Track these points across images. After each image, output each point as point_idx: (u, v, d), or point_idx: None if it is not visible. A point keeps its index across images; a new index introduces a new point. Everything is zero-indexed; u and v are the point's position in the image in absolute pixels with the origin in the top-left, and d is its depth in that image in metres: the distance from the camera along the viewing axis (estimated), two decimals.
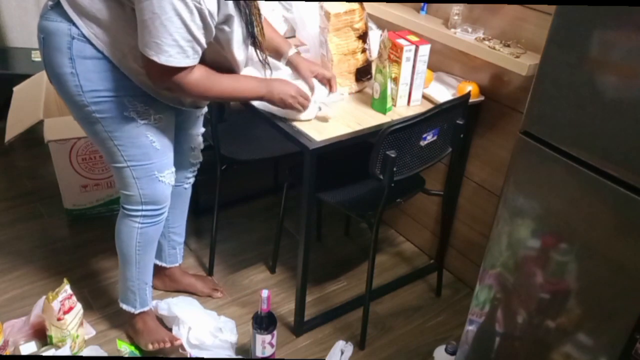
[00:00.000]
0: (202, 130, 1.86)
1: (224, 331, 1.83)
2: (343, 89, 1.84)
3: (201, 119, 1.83)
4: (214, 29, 1.33)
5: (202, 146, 1.88)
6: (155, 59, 1.29)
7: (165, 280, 2.06)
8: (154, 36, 1.26)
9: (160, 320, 1.91)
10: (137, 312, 1.80)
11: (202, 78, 1.42)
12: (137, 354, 1.78)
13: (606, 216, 1.18)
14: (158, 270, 1.99)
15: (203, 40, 1.32)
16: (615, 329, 1.22)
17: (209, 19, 1.28)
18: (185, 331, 1.81)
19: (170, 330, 1.86)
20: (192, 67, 1.36)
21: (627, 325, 1.18)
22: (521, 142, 1.30)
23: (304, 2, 1.96)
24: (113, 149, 1.52)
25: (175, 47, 1.28)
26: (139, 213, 1.65)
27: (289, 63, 1.76)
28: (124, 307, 1.81)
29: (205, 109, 1.82)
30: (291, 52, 1.75)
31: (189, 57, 1.32)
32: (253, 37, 1.46)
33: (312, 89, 1.72)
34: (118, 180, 1.62)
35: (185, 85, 1.38)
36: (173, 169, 1.66)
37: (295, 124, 1.66)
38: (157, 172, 1.59)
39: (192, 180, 1.92)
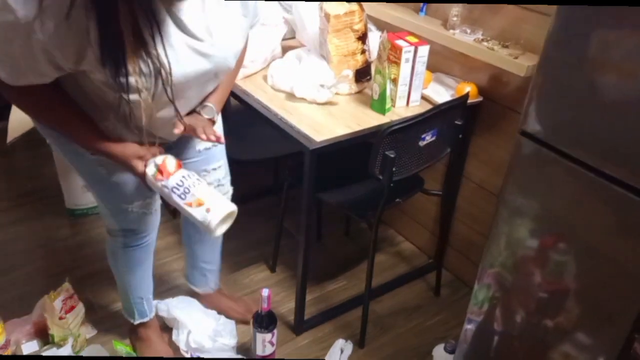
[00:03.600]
0: (217, 165, 1.62)
1: (223, 334, 1.84)
2: (347, 71, 1.84)
3: (210, 153, 1.58)
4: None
5: (221, 182, 1.66)
6: None
7: (206, 305, 1.96)
8: None
9: (162, 322, 1.91)
10: (135, 322, 1.79)
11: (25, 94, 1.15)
12: (134, 354, 1.79)
13: (605, 216, 1.18)
14: (195, 293, 1.97)
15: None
16: (613, 329, 1.23)
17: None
18: (185, 335, 1.82)
19: (170, 329, 1.87)
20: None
21: (625, 325, 1.19)
22: (520, 143, 1.31)
23: (303, 2, 1.97)
24: (81, 179, 1.48)
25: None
26: (118, 238, 1.59)
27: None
28: (125, 315, 1.81)
29: (209, 144, 1.55)
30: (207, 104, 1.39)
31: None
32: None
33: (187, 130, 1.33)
34: (98, 207, 1.57)
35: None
36: (149, 200, 1.50)
37: (295, 124, 1.67)
38: (124, 204, 1.47)
39: None
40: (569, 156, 1.21)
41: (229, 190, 1.73)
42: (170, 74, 1.11)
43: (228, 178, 1.71)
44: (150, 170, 1.26)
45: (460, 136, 1.87)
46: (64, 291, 1.78)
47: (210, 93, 1.38)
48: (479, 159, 2.04)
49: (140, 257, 1.66)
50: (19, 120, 2.27)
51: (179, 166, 1.28)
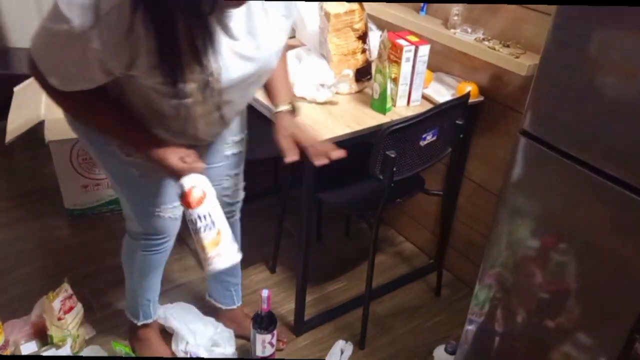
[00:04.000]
0: (238, 170, 1.65)
1: (220, 343, 1.82)
2: (347, 70, 1.84)
3: (234, 159, 1.61)
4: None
5: (239, 187, 1.69)
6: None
7: (226, 322, 1.90)
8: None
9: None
10: (139, 324, 1.78)
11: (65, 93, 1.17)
12: (133, 354, 1.79)
13: (605, 216, 1.18)
14: (217, 311, 1.92)
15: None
16: (614, 329, 1.22)
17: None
18: (184, 346, 1.81)
19: (170, 335, 1.87)
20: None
21: (626, 325, 1.19)
22: (520, 142, 1.30)
23: (303, 2, 1.97)
24: (110, 180, 1.48)
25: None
26: (139, 241, 1.58)
27: (273, 117, 1.43)
28: (128, 315, 1.79)
29: (236, 150, 1.59)
30: (280, 108, 1.41)
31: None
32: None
33: (283, 151, 1.36)
34: (122, 209, 1.56)
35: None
36: (175, 204, 1.51)
37: None
38: (152, 207, 1.48)
39: (232, 219, 1.73)
40: (569, 156, 1.21)
41: (242, 195, 1.73)
42: (219, 80, 1.14)
43: (243, 183, 1.72)
44: (178, 189, 1.26)
45: (461, 136, 1.86)
46: (63, 292, 1.77)
47: (272, 92, 1.42)
48: (480, 158, 2.04)
49: (157, 261, 1.65)
50: (18, 120, 2.26)
51: (199, 202, 1.26)
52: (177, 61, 1.06)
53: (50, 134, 2.17)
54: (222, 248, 1.27)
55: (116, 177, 1.45)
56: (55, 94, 1.17)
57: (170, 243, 1.63)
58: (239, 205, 1.74)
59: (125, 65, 1.06)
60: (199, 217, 1.25)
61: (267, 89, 1.44)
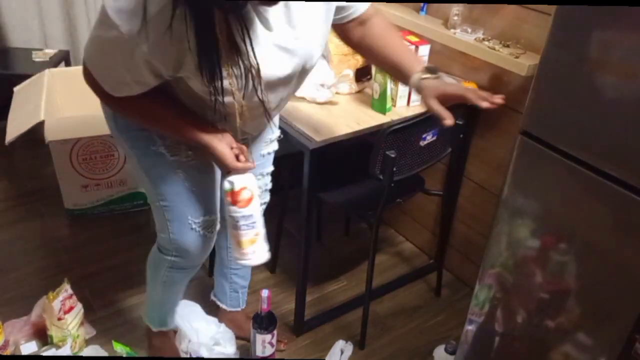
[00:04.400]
0: (270, 170, 1.65)
1: (222, 343, 1.82)
2: (347, 70, 1.83)
3: (269, 158, 1.63)
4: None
5: (267, 187, 1.69)
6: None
7: (227, 323, 1.89)
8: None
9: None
10: (155, 330, 1.77)
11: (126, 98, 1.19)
12: (133, 354, 1.79)
13: (605, 216, 1.18)
14: (219, 311, 1.92)
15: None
16: (614, 329, 1.22)
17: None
18: (185, 345, 1.81)
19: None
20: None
21: (626, 325, 1.19)
22: (521, 143, 1.30)
23: (303, 2, 1.96)
24: (148, 186, 1.42)
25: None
26: (169, 257, 1.53)
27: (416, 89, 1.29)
28: (145, 320, 1.79)
29: (271, 149, 1.61)
30: (415, 77, 1.27)
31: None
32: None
33: (443, 118, 1.22)
34: (156, 222, 1.50)
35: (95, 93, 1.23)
36: (214, 219, 1.48)
37: (295, 123, 1.66)
38: (190, 216, 1.43)
39: None
40: (570, 156, 1.21)
41: (268, 197, 1.74)
42: (259, 74, 1.13)
43: (270, 185, 1.71)
44: (227, 185, 1.28)
45: (461, 136, 1.86)
46: (63, 292, 1.77)
47: (400, 65, 1.30)
48: (480, 158, 2.03)
49: (182, 279, 1.63)
50: (18, 120, 2.26)
51: (247, 203, 1.30)
52: (215, 56, 1.05)
53: (50, 134, 2.17)
54: (257, 247, 1.35)
55: (157, 180, 1.39)
56: (110, 99, 1.19)
57: (197, 267, 1.59)
58: (265, 207, 1.71)
59: (173, 67, 1.08)
60: (244, 216, 1.30)
61: (392, 59, 1.32)
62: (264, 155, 1.60)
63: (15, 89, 2.50)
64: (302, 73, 1.27)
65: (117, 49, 1.06)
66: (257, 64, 1.11)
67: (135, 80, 1.12)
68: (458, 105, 1.76)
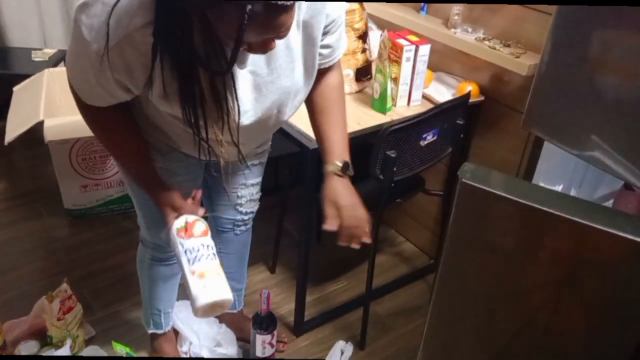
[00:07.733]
0: (256, 181, 1.62)
1: (223, 343, 1.82)
2: (347, 70, 1.83)
3: (254, 169, 1.59)
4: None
5: (255, 197, 1.65)
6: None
7: (226, 324, 1.89)
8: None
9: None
10: (149, 331, 1.78)
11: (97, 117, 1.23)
12: (133, 354, 1.78)
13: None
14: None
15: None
16: (625, 334, 1.21)
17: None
18: (187, 347, 1.81)
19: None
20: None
21: (637, 330, 1.18)
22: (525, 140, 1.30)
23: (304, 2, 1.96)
24: (125, 180, 1.48)
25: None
26: (149, 249, 1.58)
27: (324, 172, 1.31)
28: (142, 320, 1.79)
29: (257, 160, 1.57)
30: (330, 167, 1.28)
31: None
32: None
33: (324, 214, 1.28)
34: (137, 214, 1.54)
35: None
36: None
37: (295, 123, 1.66)
38: (161, 217, 1.40)
39: (243, 227, 1.70)
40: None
41: (256, 206, 1.69)
42: (238, 115, 1.15)
43: (260, 194, 1.68)
44: (178, 224, 1.27)
45: (462, 136, 1.86)
46: (62, 292, 1.77)
47: (324, 145, 1.31)
48: (481, 158, 2.03)
49: (165, 273, 1.64)
50: (17, 120, 2.26)
51: (205, 234, 1.28)
52: (198, 101, 1.08)
53: (49, 134, 2.17)
54: (210, 282, 1.25)
55: (132, 184, 1.44)
56: (83, 107, 1.20)
57: None
58: (252, 216, 1.70)
59: (142, 87, 1.10)
60: (191, 249, 1.25)
61: (319, 137, 1.33)
62: (248, 166, 1.55)
63: (15, 88, 2.50)
64: (277, 115, 1.26)
65: (87, 64, 1.07)
66: (237, 110, 1.13)
67: (106, 92, 1.13)
68: (459, 105, 1.77)
